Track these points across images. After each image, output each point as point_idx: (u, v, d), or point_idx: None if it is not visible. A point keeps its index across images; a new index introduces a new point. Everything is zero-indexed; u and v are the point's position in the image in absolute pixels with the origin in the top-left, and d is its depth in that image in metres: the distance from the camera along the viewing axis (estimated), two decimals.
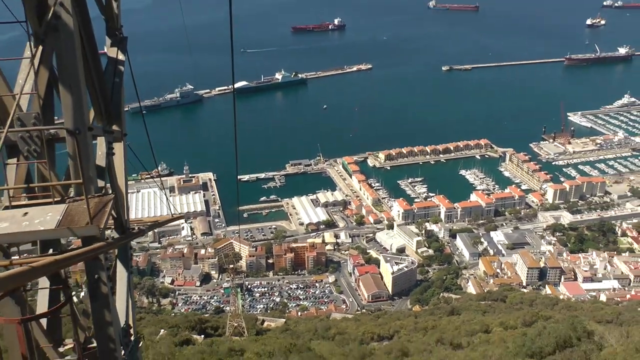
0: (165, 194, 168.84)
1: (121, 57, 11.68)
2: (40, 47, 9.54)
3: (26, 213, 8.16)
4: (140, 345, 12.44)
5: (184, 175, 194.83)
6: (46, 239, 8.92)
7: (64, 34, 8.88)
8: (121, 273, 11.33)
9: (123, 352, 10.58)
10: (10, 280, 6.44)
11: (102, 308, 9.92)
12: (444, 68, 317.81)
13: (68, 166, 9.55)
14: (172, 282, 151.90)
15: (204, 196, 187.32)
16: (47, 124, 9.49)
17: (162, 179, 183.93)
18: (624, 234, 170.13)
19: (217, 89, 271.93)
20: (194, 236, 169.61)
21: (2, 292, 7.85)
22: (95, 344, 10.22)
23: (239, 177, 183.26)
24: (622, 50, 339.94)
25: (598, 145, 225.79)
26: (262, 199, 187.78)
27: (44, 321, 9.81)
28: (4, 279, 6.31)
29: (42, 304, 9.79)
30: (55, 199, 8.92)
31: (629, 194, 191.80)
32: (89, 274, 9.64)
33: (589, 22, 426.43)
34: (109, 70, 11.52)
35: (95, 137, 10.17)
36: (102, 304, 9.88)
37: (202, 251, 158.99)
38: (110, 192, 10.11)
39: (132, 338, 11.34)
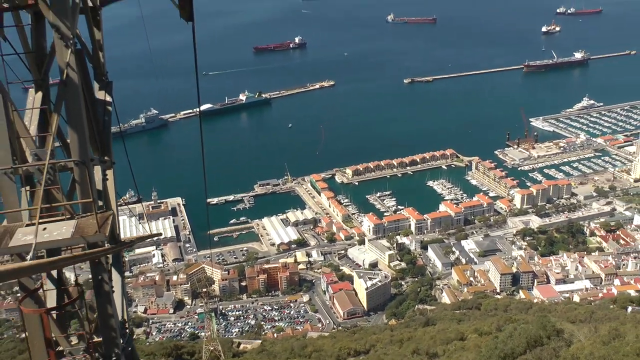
0: (144, 215, 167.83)
1: (108, 98, 14.26)
2: (41, 93, 12.72)
3: (45, 228, 10.64)
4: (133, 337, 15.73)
5: (152, 202, 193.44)
6: (63, 246, 11.13)
7: (71, 88, 11.39)
8: (116, 277, 14.19)
9: (122, 340, 13.55)
10: (23, 271, 9.35)
11: (105, 303, 12.90)
12: (405, 81, 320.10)
13: (69, 189, 12.35)
14: (145, 311, 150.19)
15: (173, 222, 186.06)
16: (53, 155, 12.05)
17: (130, 206, 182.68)
18: (592, 234, 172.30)
19: (182, 112, 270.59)
20: (165, 262, 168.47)
21: (14, 279, 9.81)
22: (97, 339, 13.05)
23: (208, 200, 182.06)
24: (578, 55, 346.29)
25: (561, 148, 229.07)
26: (232, 221, 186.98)
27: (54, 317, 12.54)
28: (21, 269, 9.17)
29: (51, 300, 12.36)
30: (67, 217, 11.48)
31: (594, 194, 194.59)
32: (94, 275, 12.63)
33: (544, 29, 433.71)
34: (99, 110, 14.07)
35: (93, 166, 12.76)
36: (105, 300, 12.86)
37: (174, 277, 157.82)
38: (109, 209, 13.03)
39: (127, 330, 14.37)
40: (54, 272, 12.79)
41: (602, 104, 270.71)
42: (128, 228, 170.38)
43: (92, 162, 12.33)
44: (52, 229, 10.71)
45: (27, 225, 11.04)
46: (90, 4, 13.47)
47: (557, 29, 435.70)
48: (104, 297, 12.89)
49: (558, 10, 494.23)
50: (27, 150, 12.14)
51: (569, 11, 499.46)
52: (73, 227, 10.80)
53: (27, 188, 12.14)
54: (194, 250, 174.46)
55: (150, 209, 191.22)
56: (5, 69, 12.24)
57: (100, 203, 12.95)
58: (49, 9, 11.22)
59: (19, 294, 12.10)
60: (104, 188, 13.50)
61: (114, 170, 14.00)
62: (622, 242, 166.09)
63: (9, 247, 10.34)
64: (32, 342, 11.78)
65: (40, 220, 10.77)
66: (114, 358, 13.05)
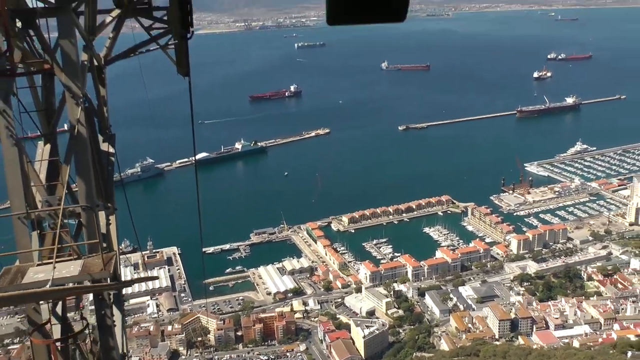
0: (139, 265, 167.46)
1: (111, 150, 15.96)
2: (49, 145, 14.33)
3: (55, 267, 11.70)
4: None
5: (147, 251, 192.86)
6: (71, 282, 11.89)
7: (80, 141, 12.96)
8: (117, 313, 15.60)
9: None
10: (36, 296, 11.31)
11: (108, 336, 14.59)
12: (400, 127, 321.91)
13: (76, 232, 13.98)
14: None
15: (169, 271, 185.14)
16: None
17: (127, 255, 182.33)
18: (590, 278, 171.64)
19: (177, 161, 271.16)
20: (159, 312, 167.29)
21: (30, 302, 12.14)
22: None
23: (203, 249, 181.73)
24: (570, 100, 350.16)
25: (556, 193, 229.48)
26: (228, 270, 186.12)
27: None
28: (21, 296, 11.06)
29: (57, 333, 13.32)
30: (74, 257, 12.71)
31: (590, 238, 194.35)
32: (98, 310, 14.31)
33: (536, 74, 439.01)
34: (104, 161, 15.77)
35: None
36: (108, 333, 14.58)
37: (169, 327, 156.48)
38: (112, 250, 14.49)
39: None
40: (59, 308, 13.72)
41: (595, 148, 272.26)
42: (123, 277, 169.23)
43: (97, 208, 13.88)
44: (61, 267, 11.89)
45: (38, 264, 12.33)
46: (95, 63, 15.08)
47: (549, 74, 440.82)
48: (107, 330, 14.75)
49: (549, 56, 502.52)
50: (37, 197, 13.53)
51: (559, 57, 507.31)
52: (80, 266, 12.08)
53: (38, 232, 13.47)
54: (189, 299, 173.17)
55: (146, 259, 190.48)
56: (19, 125, 13.27)
57: (104, 245, 14.16)
58: (62, 71, 12.76)
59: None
60: (107, 232, 14.97)
61: (116, 216, 15.54)
62: (620, 286, 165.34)
63: (24, 284, 11.38)
64: None
65: (50, 262, 12.14)
66: None
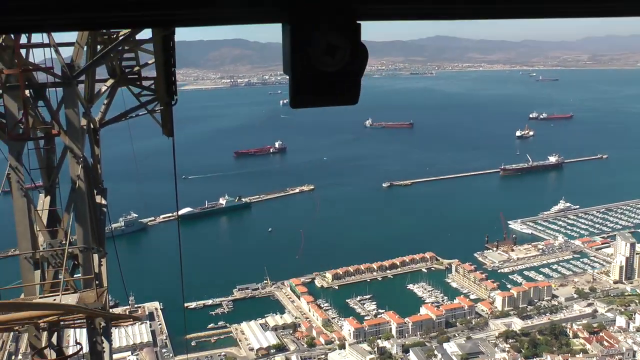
0: None
1: (104, 202, 19.07)
2: (49, 197, 17.20)
3: (55, 299, 14.22)
4: None
5: (129, 306, 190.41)
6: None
7: (79, 194, 16.08)
8: (106, 343, 18.07)
9: None
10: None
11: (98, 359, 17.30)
12: (384, 184, 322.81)
13: (71, 270, 16.69)
14: None
15: (150, 326, 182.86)
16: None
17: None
18: (575, 336, 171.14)
19: (161, 216, 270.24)
20: None
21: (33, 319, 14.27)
22: None
23: (186, 304, 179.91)
24: (552, 159, 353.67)
25: (540, 250, 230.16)
26: (210, 325, 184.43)
27: None
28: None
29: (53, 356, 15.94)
30: (71, 291, 15.59)
31: (575, 295, 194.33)
32: (90, 336, 16.81)
33: (518, 133, 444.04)
34: (97, 211, 17.93)
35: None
36: (98, 357, 17.12)
37: None
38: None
39: None
40: (54, 338, 16.32)
41: (578, 206, 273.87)
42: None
43: (92, 250, 16.59)
44: (59, 299, 14.19)
45: (41, 297, 14.64)
46: (92, 126, 18.10)
47: (531, 133, 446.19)
48: (97, 355, 17.34)
49: (531, 115, 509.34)
50: (39, 241, 16.11)
51: (541, 116, 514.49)
52: (77, 298, 14.69)
53: (40, 270, 16.33)
54: (171, 355, 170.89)
55: (127, 314, 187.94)
56: (26, 179, 15.98)
57: (97, 282, 16.67)
58: (65, 135, 15.85)
59: None
60: (100, 271, 17.33)
61: (106, 258, 18.39)
62: (605, 343, 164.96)
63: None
64: None
65: (52, 294, 14.65)
66: None
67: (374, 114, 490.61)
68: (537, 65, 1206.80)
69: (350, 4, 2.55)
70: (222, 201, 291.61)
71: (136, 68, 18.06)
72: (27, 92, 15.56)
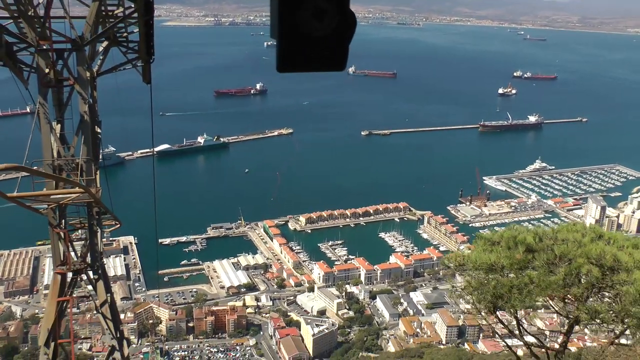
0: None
1: (99, 130, 26.49)
2: (60, 125, 24.77)
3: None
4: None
5: (104, 239, 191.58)
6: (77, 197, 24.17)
7: (85, 124, 24.78)
8: (99, 232, 27.83)
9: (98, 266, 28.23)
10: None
11: (93, 237, 27.12)
12: (363, 133, 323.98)
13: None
14: (90, 349, 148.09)
15: (124, 260, 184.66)
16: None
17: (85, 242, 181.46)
18: None
19: (139, 151, 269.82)
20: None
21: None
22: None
23: (160, 240, 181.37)
24: (532, 119, 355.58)
25: (513, 207, 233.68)
26: (183, 262, 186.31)
27: None
28: None
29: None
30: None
31: None
32: (89, 220, 27.03)
33: (500, 91, 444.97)
34: (95, 137, 26.30)
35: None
36: (94, 236, 27.08)
37: (122, 316, 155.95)
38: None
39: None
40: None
41: (554, 167, 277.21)
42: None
43: (92, 162, 24.84)
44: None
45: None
46: (92, 76, 24.75)
47: (513, 91, 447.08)
48: (92, 233, 27.17)
49: (515, 74, 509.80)
50: (54, 153, 24.03)
51: (525, 75, 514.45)
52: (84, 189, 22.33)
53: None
54: (143, 289, 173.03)
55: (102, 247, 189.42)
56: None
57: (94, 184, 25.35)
58: (77, 84, 23.34)
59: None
60: (95, 177, 25.36)
61: (100, 170, 26.27)
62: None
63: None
64: None
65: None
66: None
67: (358, 62, 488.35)
68: (526, 24, 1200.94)
69: None
70: (201, 140, 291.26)
71: (125, 34, 25.12)
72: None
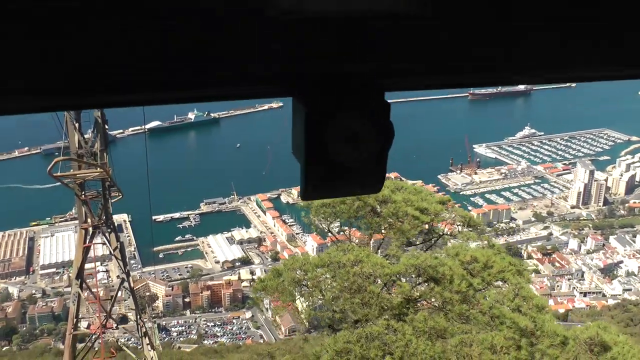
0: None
1: (107, 126, 43.59)
2: (78, 123, 42.05)
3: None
4: None
5: (97, 217, 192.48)
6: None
7: (98, 123, 41.84)
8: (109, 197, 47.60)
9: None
10: None
11: (107, 205, 47.21)
12: None
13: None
14: (89, 327, 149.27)
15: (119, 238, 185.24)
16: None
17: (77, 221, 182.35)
18: (529, 257, 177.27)
19: (130, 129, 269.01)
20: (109, 278, 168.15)
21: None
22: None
23: (154, 217, 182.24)
24: (521, 86, 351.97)
25: (503, 174, 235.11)
26: (178, 238, 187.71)
27: None
28: None
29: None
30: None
31: (532, 219, 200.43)
32: (102, 191, 45.65)
33: None
34: (105, 131, 42.32)
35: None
36: (108, 203, 47.40)
37: (119, 293, 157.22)
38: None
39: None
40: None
41: (542, 133, 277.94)
42: (74, 243, 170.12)
43: (104, 149, 37.13)
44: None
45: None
46: None
47: None
48: (106, 200, 45.04)
49: None
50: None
51: None
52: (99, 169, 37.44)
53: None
54: (139, 266, 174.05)
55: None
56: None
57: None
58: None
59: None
60: (106, 161, 37.27)
61: (107, 155, 39.16)
62: (557, 264, 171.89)
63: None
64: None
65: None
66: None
67: None
68: None
69: (374, 78, 2.04)
70: (191, 115, 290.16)
71: None
72: None
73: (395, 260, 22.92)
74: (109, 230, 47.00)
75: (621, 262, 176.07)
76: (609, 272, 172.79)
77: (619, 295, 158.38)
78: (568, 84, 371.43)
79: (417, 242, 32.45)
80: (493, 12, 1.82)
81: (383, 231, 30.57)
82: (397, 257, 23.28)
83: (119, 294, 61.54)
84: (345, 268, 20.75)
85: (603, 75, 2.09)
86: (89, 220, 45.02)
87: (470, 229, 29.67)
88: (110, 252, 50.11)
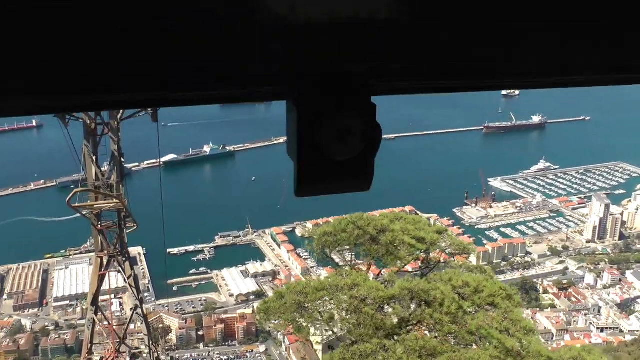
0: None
1: (123, 160, 44.91)
2: (95, 156, 43.39)
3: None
4: None
5: (113, 247, 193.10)
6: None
7: (115, 157, 43.50)
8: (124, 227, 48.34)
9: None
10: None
11: (122, 234, 48.19)
12: None
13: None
14: (102, 359, 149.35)
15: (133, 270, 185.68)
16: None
17: (92, 254, 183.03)
18: (545, 291, 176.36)
19: (145, 162, 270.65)
20: (122, 311, 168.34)
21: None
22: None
23: (168, 250, 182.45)
24: (536, 119, 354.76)
25: (518, 208, 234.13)
26: (192, 271, 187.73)
27: None
28: None
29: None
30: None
31: (548, 253, 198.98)
32: (118, 220, 47.14)
33: (504, 92, 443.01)
34: (121, 165, 44.07)
35: None
36: (123, 232, 48.49)
37: (132, 326, 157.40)
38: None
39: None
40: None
41: (558, 166, 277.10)
42: (88, 276, 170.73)
43: (120, 182, 38.57)
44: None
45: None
46: (117, 124, 41.59)
47: (517, 92, 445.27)
48: (121, 229, 46.32)
49: None
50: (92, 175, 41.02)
51: None
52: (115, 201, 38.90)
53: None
54: (153, 299, 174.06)
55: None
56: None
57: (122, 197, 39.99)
58: (110, 132, 41.36)
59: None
60: (122, 192, 39.12)
61: (123, 187, 42.05)
62: (573, 299, 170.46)
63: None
64: None
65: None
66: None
67: None
68: None
69: (364, 80, 2.21)
70: (207, 149, 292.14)
71: None
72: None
73: (391, 285, 23.32)
74: (124, 259, 49.28)
75: (638, 297, 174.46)
76: (625, 307, 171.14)
77: (637, 331, 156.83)
78: (582, 117, 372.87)
79: (413, 270, 35.76)
80: (493, 12, 1.81)
81: (381, 258, 33.60)
82: (392, 282, 23.69)
83: (133, 320, 62.97)
84: (343, 291, 21.45)
85: (603, 78, 2.10)
86: (104, 249, 48.06)
87: (466, 255, 30.69)
88: (124, 279, 52.23)
